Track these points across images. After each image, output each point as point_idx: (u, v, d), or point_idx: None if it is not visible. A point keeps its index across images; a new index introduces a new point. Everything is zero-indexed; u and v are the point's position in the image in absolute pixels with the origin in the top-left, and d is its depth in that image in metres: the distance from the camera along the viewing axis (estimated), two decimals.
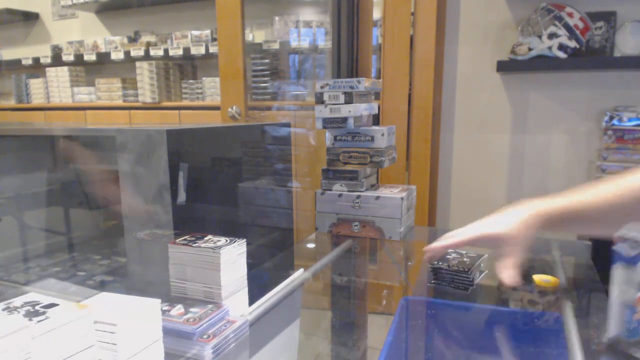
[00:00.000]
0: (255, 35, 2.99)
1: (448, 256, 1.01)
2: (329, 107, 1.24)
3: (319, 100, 1.26)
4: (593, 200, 0.80)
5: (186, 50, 3.08)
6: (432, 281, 0.97)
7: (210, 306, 0.70)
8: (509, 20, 2.08)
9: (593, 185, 0.82)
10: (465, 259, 0.97)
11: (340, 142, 1.30)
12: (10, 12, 3.78)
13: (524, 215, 0.81)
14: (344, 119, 1.24)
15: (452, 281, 0.95)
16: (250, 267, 0.77)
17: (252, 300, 0.80)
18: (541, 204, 0.82)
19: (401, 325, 0.86)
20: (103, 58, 3.41)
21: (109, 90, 3.36)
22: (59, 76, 3.54)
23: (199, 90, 3.10)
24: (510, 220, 0.81)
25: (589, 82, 2.00)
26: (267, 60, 2.74)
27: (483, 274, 1.01)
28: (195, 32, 3.12)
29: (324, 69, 2.78)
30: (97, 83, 3.40)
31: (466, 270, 0.93)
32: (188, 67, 3.31)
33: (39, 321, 0.46)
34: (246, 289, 0.77)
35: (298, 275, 1.00)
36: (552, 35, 1.82)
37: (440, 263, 0.96)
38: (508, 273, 0.79)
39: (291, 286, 0.94)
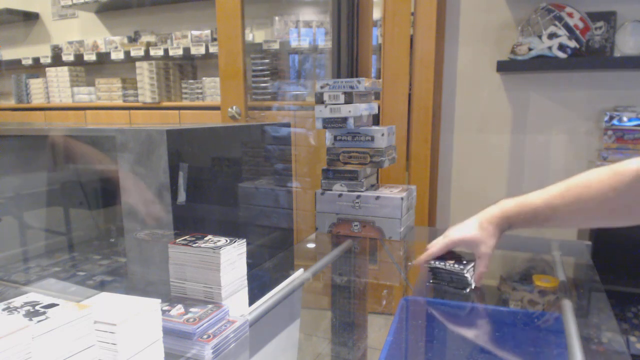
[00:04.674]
0: (255, 35, 2.98)
1: (446, 256, 1.01)
2: (329, 107, 1.24)
3: (319, 100, 1.26)
4: (541, 201, 0.88)
5: (186, 50, 3.08)
6: (431, 281, 0.97)
7: (210, 306, 0.70)
8: (509, 20, 2.08)
9: (555, 186, 0.90)
10: (463, 259, 0.98)
11: (340, 142, 1.30)
12: (10, 12, 3.77)
13: (480, 219, 0.93)
14: (344, 119, 1.24)
15: (450, 281, 0.95)
16: (250, 267, 0.77)
17: (252, 300, 0.80)
18: (496, 207, 0.93)
19: (401, 325, 0.86)
20: (103, 58, 3.41)
21: (109, 90, 3.36)
22: (59, 76, 3.54)
23: (199, 90, 3.10)
24: (470, 225, 0.95)
25: (589, 82, 2.00)
26: (267, 60, 2.74)
27: None
28: (195, 32, 3.12)
29: (324, 69, 2.78)
30: (97, 83, 3.40)
31: (463, 270, 0.93)
32: (188, 67, 3.31)
33: (39, 321, 0.46)
34: (246, 289, 0.77)
35: (298, 275, 1.00)
36: (552, 35, 1.82)
37: (438, 263, 0.96)
38: (478, 275, 0.92)
39: (291, 286, 0.94)
